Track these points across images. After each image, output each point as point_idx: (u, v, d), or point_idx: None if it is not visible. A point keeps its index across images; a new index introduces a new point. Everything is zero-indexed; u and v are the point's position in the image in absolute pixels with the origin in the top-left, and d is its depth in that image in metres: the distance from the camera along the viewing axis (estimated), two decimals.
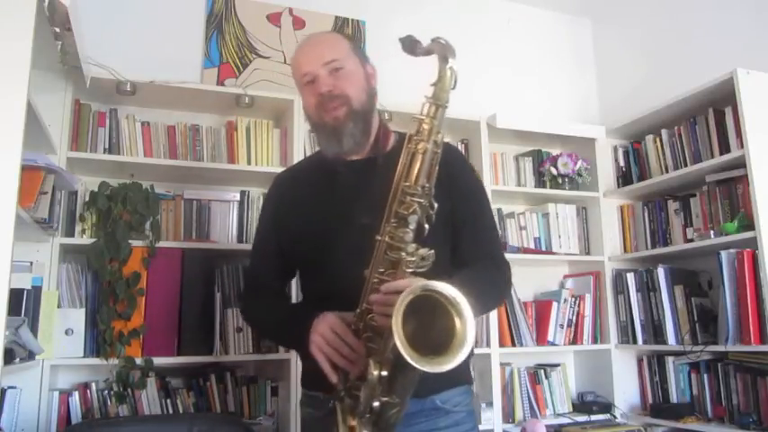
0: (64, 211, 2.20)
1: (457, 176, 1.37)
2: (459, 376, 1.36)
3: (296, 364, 2.28)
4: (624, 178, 3.04)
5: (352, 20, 3.01)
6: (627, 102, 3.19)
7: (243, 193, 2.54)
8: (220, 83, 2.69)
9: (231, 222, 2.50)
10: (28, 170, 1.72)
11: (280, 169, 2.35)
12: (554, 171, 3.00)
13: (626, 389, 2.85)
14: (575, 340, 2.88)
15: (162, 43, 2.61)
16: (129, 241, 2.19)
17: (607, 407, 2.79)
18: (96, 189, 2.25)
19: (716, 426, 2.43)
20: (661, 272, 2.69)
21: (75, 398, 2.14)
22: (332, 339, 1.19)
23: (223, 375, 2.34)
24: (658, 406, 2.71)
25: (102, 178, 2.29)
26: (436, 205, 1.16)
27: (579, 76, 3.50)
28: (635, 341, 2.78)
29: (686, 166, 2.68)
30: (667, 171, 2.78)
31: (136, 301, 2.17)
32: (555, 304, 2.86)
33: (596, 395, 2.87)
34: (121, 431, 1.83)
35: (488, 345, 2.67)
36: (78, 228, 2.25)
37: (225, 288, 2.34)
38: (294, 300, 1.88)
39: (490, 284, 1.33)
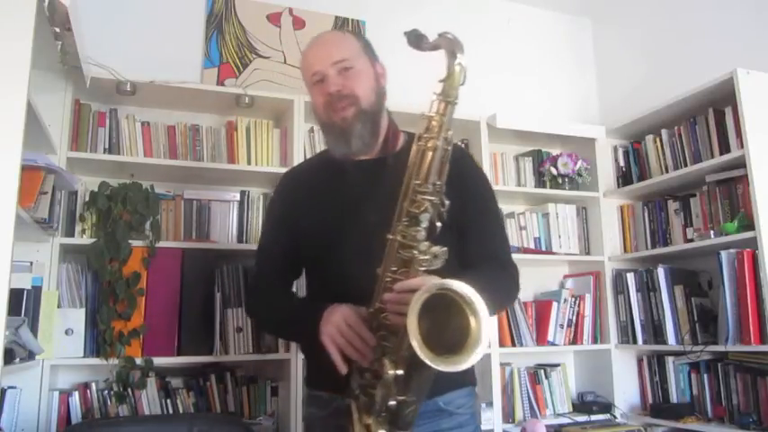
0: (64, 211, 2.20)
1: (465, 176, 1.35)
2: (464, 377, 1.35)
3: (296, 364, 2.29)
4: (624, 178, 3.03)
5: (352, 20, 3.01)
6: (627, 102, 3.19)
7: (243, 193, 2.54)
8: (220, 83, 2.69)
9: (231, 222, 2.49)
10: (28, 170, 1.72)
11: (280, 169, 2.37)
12: (554, 171, 2.99)
13: (626, 389, 2.84)
14: (575, 340, 2.87)
15: (162, 43, 2.61)
16: (129, 241, 2.19)
17: (607, 407, 2.79)
18: (96, 189, 2.25)
19: (716, 426, 2.43)
20: (661, 272, 2.69)
21: (75, 398, 2.14)
22: (345, 330, 1.17)
23: (223, 375, 2.34)
24: (658, 406, 2.71)
25: (102, 178, 2.29)
26: (447, 202, 1.14)
27: (579, 76, 3.50)
28: (635, 341, 2.78)
29: (686, 166, 2.68)
30: (667, 171, 2.78)
31: (136, 301, 2.17)
32: (555, 304, 2.85)
33: (596, 395, 2.87)
34: (121, 431, 1.83)
35: (488, 345, 2.66)
36: (78, 228, 2.25)
37: (225, 288, 2.34)
38: None
39: (493, 286, 1.31)
